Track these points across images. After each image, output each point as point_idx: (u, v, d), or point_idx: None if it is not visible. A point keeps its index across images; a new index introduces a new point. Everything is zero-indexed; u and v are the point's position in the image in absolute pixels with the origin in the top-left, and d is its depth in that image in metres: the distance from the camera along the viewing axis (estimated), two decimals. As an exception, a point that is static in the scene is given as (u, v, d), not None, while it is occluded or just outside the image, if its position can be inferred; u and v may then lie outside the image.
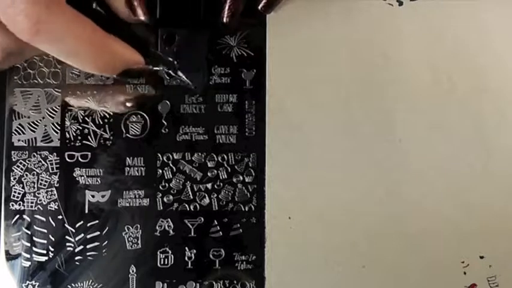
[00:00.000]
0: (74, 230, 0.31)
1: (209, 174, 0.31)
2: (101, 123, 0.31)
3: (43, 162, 0.31)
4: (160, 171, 0.31)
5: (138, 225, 0.31)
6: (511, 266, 0.31)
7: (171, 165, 0.31)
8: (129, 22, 0.29)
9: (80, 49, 0.25)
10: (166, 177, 0.31)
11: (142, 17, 0.29)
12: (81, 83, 0.31)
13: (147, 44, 0.30)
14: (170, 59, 0.31)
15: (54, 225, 0.31)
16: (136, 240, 0.31)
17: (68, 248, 0.31)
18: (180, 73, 0.31)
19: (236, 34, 0.32)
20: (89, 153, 0.31)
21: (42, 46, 0.25)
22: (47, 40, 0.24)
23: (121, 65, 0.28)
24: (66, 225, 0.31)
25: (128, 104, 0.31)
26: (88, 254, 0.31)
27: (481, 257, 0.31)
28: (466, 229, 0.31)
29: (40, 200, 0.31)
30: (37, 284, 0.30)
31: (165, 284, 0.31)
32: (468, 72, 0.32)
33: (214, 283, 0.31)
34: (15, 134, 0.31)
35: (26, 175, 0.31)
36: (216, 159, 0.31)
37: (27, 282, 0.30)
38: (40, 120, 0.31)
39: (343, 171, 0.31)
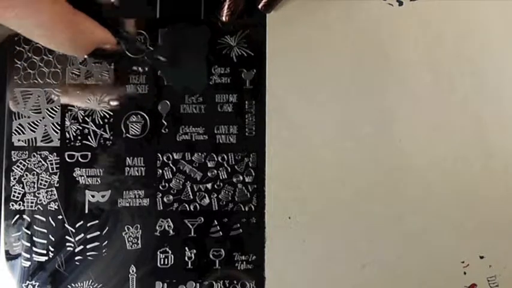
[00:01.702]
0: (74, 230, 0.31)
1: (209, 174, 0.31)
2: (101, 123, 0.31)
3: (43, 162, 0.31)
4: (160, 171, 0.31)
5: (138, 225, 0.31)
6: (511, 266, 0.31)
7: (171, 165, 0.31)
8: (99, 2, 0.28)
9: (50, 25, 0.25)
10: (166, 177, 0.31)
11: None
12: (81, 83, 0.31)
13: (117, 25, 0.29)
14: (141, 45, 0.30)
15: (54, 225, 0.31)
16: (136, 240, 0.31)
17: (68, 248, 0.31)
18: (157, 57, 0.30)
19: (236, 34, 0.32)
20: (89, 153, 0.31)
21: (11, 23, 0.24)
22: (16, 16, 0.24)
23: (92, 43, 0.27)
24: (66, 225, 0.31)
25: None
26: (88, 254, 0.31)
27: (481, 257, 0.31)
28: (466, 229, 0.31)
29: (40, 200, 0.31)
30: (37, 284, 0.30)
31: (165, 284, 0.31)
32: (468, 72, 0.32)
33: (214, 283, 0.31)
34: (15, 134, 0.31)
35: (26, 175, 0.31)
36: (216, 159, 0.31)
37: (27, 282, 0.30)
38: (40, 120, 0.31)
39: (343, 171, 0.31)
